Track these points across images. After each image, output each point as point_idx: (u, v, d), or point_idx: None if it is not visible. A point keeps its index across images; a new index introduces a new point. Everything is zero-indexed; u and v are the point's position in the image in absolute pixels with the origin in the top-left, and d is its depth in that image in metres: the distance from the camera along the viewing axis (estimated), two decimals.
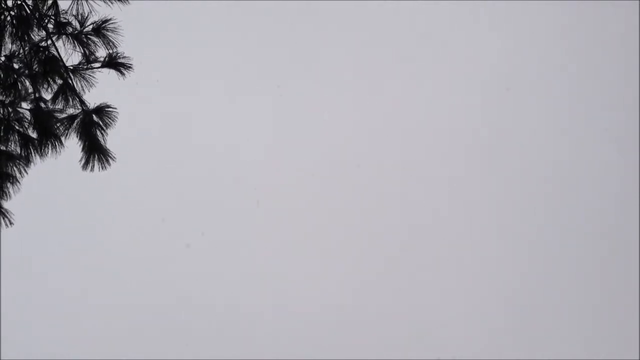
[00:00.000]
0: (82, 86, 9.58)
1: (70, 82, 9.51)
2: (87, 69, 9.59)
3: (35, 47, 9.42)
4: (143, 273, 19.17)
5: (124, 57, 9.65)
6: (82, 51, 9.56)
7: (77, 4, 9.41)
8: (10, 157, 9.50)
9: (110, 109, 9.67)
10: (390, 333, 19.43)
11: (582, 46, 20.09)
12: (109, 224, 19.39)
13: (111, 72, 9.66)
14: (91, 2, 9.41)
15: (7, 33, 9.35)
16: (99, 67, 9.61)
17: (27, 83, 9.51)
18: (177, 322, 19.32)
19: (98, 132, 9.64)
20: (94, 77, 9.62)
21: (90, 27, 9.54)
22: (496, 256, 19.91)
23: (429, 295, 19.72)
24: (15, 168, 9.56)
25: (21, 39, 9.34)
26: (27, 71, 9.44)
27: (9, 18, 9.28)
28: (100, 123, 9.64)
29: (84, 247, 19.15)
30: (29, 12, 9.32)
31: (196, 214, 19.71)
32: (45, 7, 9.42)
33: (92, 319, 19.06)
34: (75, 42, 9.54)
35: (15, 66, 9.46)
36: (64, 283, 18.95)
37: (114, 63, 9.63)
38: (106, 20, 9.55)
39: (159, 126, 19.50)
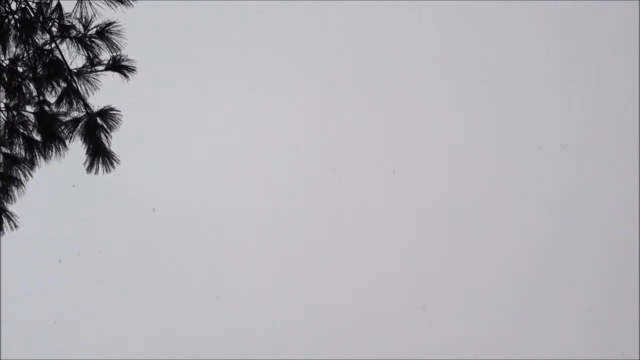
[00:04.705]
0: (86, 89, 9.61)
1: (74, 85, 9.54)
2: (91, 72, 9.62)
3: (39, 50, 9.45)
4: (147, 274, 19.18)
5: (127, 60, 9.68)
6: (86, 54, 9.58)
7: (81, 7, 9.43)
8: (15, 161, 9.54)
9: (114, 112, 9.69)
10: (394, 333, 19.46)
11: (581, 46, 20.12)
12: (110, 225, 19.40)
13: (115, 75, 9.70)
14: (95, 5, 9.43)
15: (11, 36, 9.37)
16: (102, 70, 9.64)
17: (32, 86, 9.54)
18: (178, 323, 19.33)
19: (102, 135, 9.67)
20: (98, 80, 9.65)
21: (94, 30, 9.56)
22: (498, 255, 19.94)
23: (434, 295, 19.75)
24: (20, 171, 9.61)
25: (25, 43, 9.37)
26: (31, 74, 9.47)
27: (13, 21, 9.30)
28: (105, 126, 9.67)
29: (85, 247, 19.17)
30: (32, 15, 9.33)
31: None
32: (49, 11, 9.44)
33: (92, 320, 19.08)
34: (79, 45, 9.57)
35: (20, 70, 9.50)
36: (65, 284, 18.96)
37: (118, 66, 9.66)
38: (110, 23, 9.58)
39: None
